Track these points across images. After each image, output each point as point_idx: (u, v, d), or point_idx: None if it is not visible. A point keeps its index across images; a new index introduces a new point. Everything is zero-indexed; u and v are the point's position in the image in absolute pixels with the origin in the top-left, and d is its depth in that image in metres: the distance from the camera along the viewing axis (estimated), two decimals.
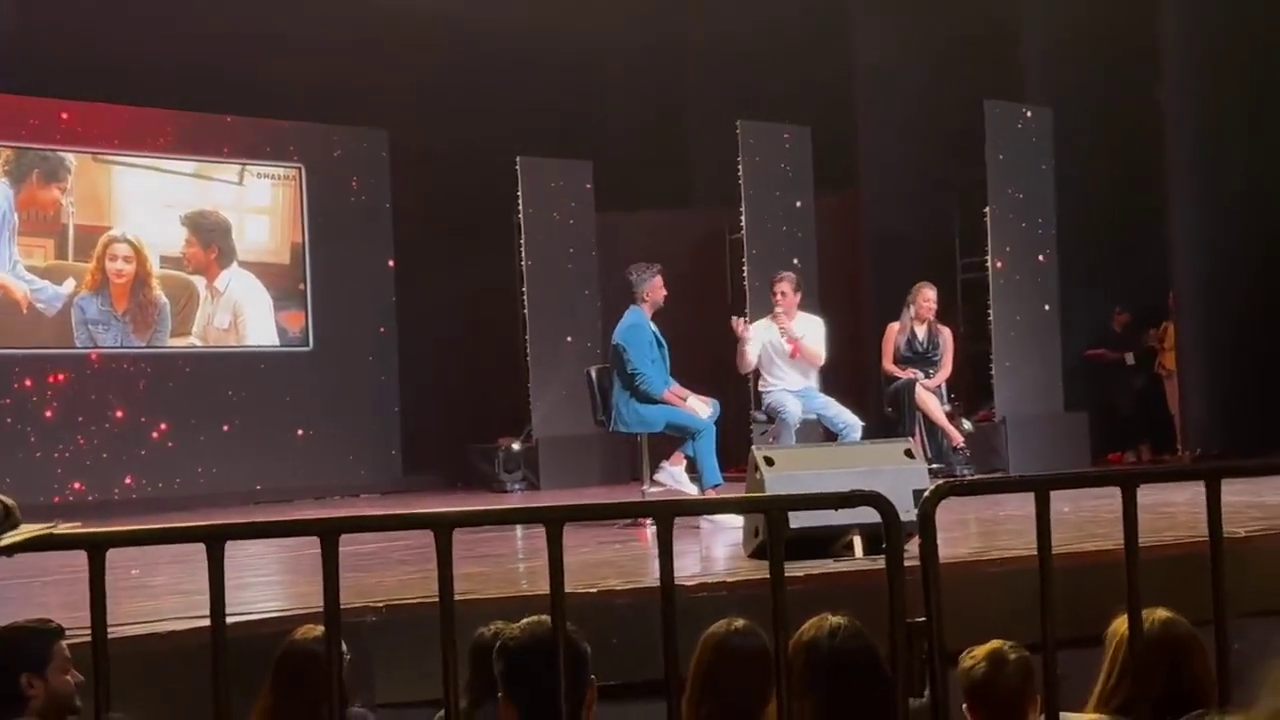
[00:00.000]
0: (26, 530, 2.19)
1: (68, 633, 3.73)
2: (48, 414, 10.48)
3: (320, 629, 3.20)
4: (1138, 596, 2.44)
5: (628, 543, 6.68)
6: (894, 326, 9.11)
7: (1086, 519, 6.16)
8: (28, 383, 10.48)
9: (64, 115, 10.73)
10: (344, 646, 3.39)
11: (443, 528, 2.29)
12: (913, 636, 2.29)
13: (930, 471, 8.21)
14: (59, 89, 10.56)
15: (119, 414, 10.78)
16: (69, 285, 10.69)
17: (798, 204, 11.26)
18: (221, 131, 11.43)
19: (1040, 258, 10.74)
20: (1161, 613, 2.85)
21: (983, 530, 6.46)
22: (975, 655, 3.07)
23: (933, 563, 2.31)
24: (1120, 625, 2.82)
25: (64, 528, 2.27)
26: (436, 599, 2.33)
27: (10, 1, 9.63)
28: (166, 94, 10.87)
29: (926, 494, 2.36)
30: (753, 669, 3.03)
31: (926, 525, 2.32)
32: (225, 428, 11.17)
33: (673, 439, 7.79)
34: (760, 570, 5.41)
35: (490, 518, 2.62)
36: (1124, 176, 11.15)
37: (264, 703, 3.42)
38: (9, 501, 2.16)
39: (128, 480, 10.77)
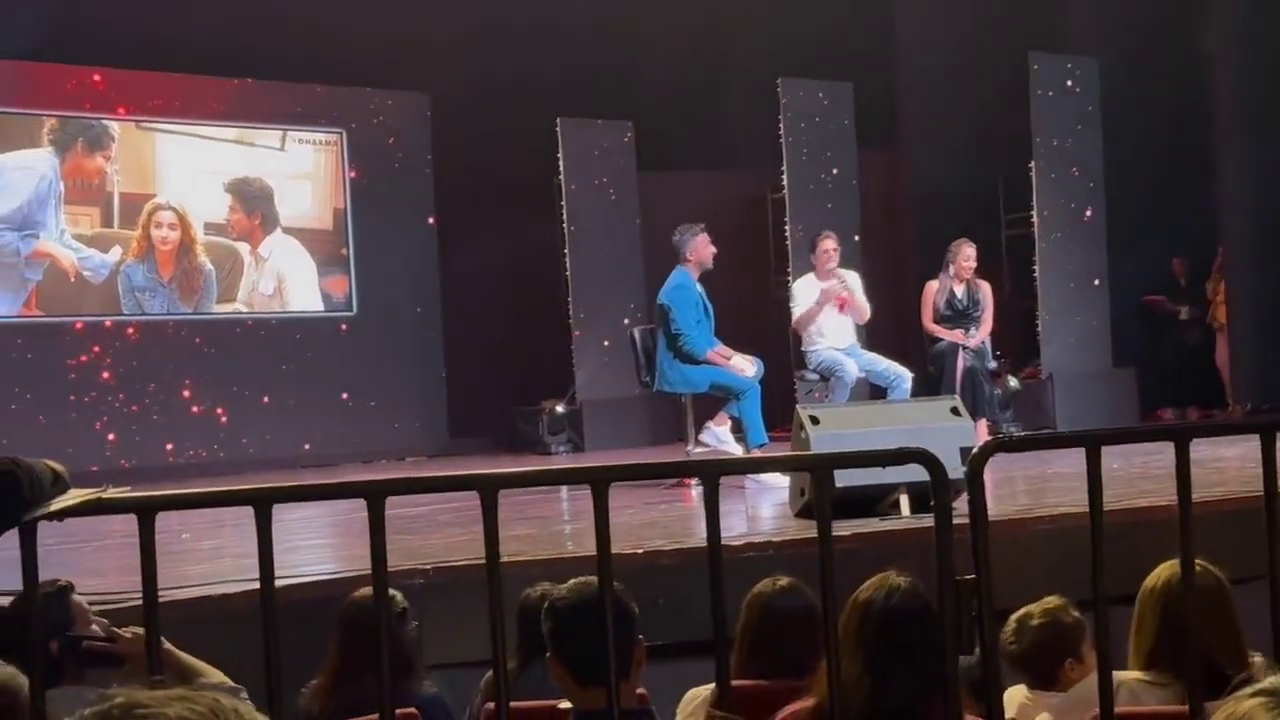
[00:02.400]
0: (76, 495, 2.20)
1: (121, 596, 3.78)
2: (95, 381, 10.59)
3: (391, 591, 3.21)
4: (1190, 553, 2.41)
5: (673, 503, 6.69)
6: (932, 284, 9.01)
7: (1136, 475, 6.10)
8: (76, 350, 10.59)
9: (106, 83, 10.78)
10: (406, 607, 3.41)
11: (488, 489, 2.29)
12: (961, 594, 2.27)
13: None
14: (101, 57, 10.60)
15: (166, 381, 10.88)
16: (115, 253, 10.77)
17: (839, 162, 11.17)
18: (263, 97, 11.46)
19: (1087, 212, 10.61)
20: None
21: (1031, 487, 6.42)
22: (1017, 618, 3.07)
23: (982, 520, 2.29)
24: (1153, 580, 2.79)
25: (113, 492, 2.29)
26: (483, 561, 2.33)
27: None
28: (208, 61, 10.90)
29: (975, 451, 2.34)
30: (799, 627, 3.03)
31: (975, 482, 2.30)
32: (271, 393, 11.25)
33: (718, 399, 7.77)
34: (807, 529, 5.41)
35: (536, 479, 2.62)
36: (1171, 128, 10.98)
37: (330, 664, 3.43)
38: (58, 467, 2.17)
39: (175, 446, 10.87)
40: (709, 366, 7.63)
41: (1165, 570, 2.78)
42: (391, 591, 3.24)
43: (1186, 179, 10.97)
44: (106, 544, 5.55)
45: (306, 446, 11.25)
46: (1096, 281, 10.60)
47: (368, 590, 3.36)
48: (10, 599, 2.67)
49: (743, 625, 3.14)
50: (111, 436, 10.59)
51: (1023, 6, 11.25)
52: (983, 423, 8.24)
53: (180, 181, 11.08)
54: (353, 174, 11.87)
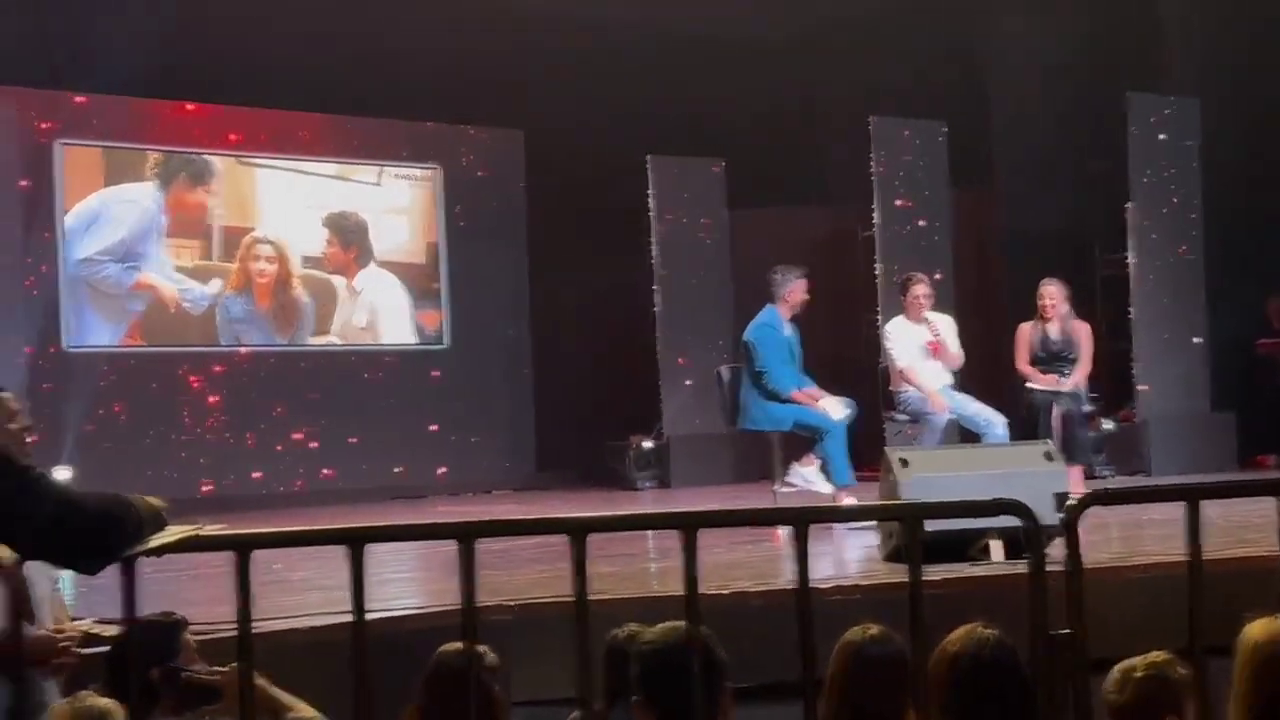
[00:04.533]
0: (175, 531, 2.25)
1: (212, 628, 3.84)
2: (191, 411, 10.80)
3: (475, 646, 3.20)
4: None
5: (760, 543, 6.64)
6: (1025, 326, 8.84)
7: (1236, 523, 5.96)
8: (174, 380, 10.81)
9: (209, 118, 11.04)
10: (496, 657, 3.39)
11: (578, 532, 2.29)
12: (1056, 649, 2.23)
13: None
14: (204, 93, 10.87)
15: (260, 411, 11.06)
16: (215, 285, 10.99)
17: (931, 200, 11.09)
18: (361, 133, 11.67)
19: (1184, 252, 10.42)
20: None
21: (1125, 534, 6.30)
22: (1121, 669, 3.00)
23: (1078, 575, 2.25)
24: (1251, 631, 2.72)
25: (210, 529, 2.33)
26: (567, 598, 2.34)
27: (156, 9, 9.93)
28: (308, 96, 11.12)
29: (1071, 503, 2.30)
30: (890, 677, 2.98)
31: (1072, 535, 2.26)
32: (362, 424, 11.39)
33: (807, 438, 7.72)
34: (895, 574, 5.34)
35: (626, 523, 2.62)
36: (1272, 168, 10.75)
37: (416, 710, 3.42)
38: (159, 503, 2.22)
39: (267, 475, 11.04)
40: (794, 405, 7.59)
41: (1264, 626, 2.70)
42: (483, 647, 3.24)
43: None
44: (200, 574, 5.64)
45: (395, 478, 11.36)
46: (1194, 323, 10.40)
47: (458, 645, 3.35)
48: (118, 629, 2.72)
49: (832, 673, 3.10)
50: (206, 464, 10.78)
51: (1120, 45, 11.12)
52: (1078, 469, 8.10)
53: (279, 215, 11.30)
54: (447, 209, 12.02)
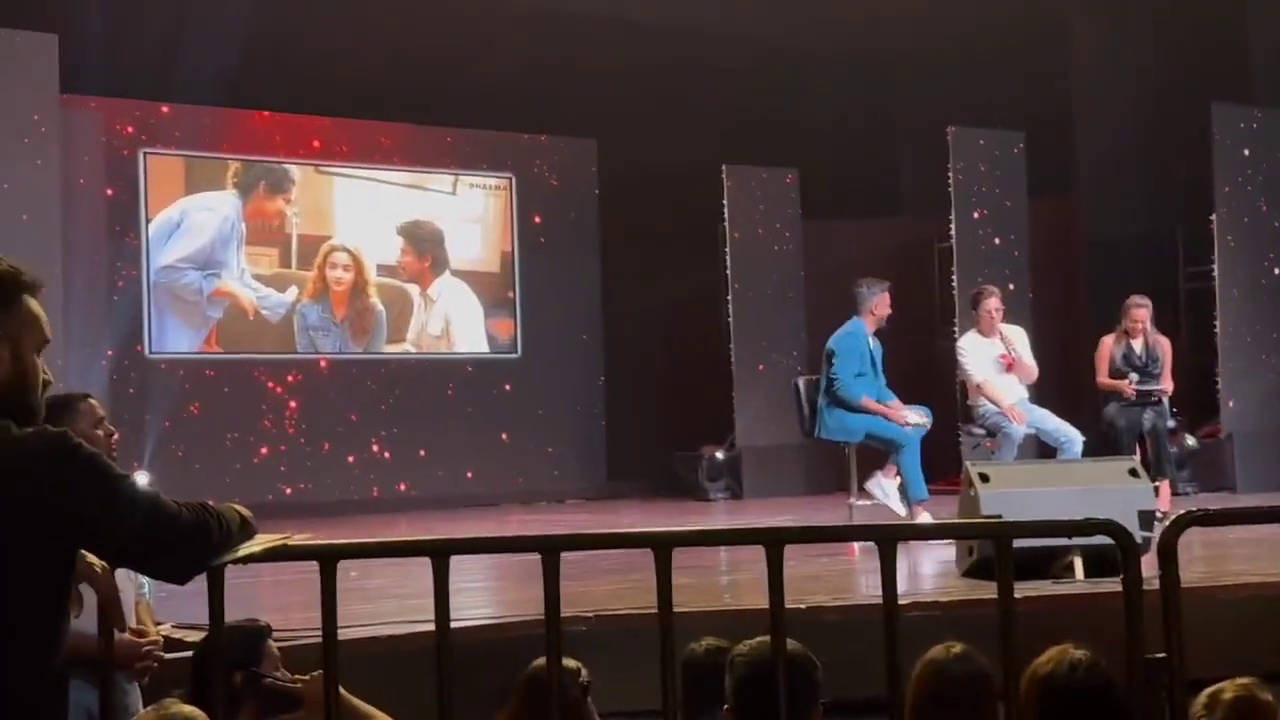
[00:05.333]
0: (262, 540, 2.25)
1: (293, 634, 3.86)
2: (269, 416, 10.92)
3: (569, 661, 3.19)
4: None
5: (836, 556, 6.58)
6: (1108, 340, 8.68)
7: None
8: (251, 387, 10.93)
9: (287, 128, 11.18)
10: (589, 682, 3.37)
11: (663, 548, 2.27)
12: (1152, 673, 2.18)
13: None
14: (283, 103, 11.00)
15: (336, 417, 11.16)
16: (292, 293, 11.11)
17: (1010, 212, 10.96)
18: (436, 142, 11.76)
19: (1270, 266, 10.22)
20: None
21: (1210, 554, 6.17)
22: (1212, 692, 2.92)
23: (1174, 596, 2.19)
24: None
25: (297, 539, 2.34)
26: (642, 610, 2.33)
27: (237, 21, 10.06)
28: (384, 106, 11.22)
29: (1168, 524, 2.24)
30: (973, 696, 2.93)
31: (1168, 557, 2.20)
32: (435, 431, 11.45)
33: (881, 451, 7.66)
34: (973, 590, 5.27)
35: (709, 538, 2.60)
36: None
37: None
38: (246, 512, 2.23)
39: (343, 482, 11.13)
40: (866, 415, 7.53)
41: None
42: (575, 664, 3.23)
43: None
44: (283, 579, 5.68)
45: (467, 486, 11.41)
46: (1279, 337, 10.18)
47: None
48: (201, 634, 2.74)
49: (914, 692, 3.05)
50: (285, 470, 10.89)
51: (1204, 55, 10.92)
52: (1165, 485, 7.97)
53: (355, 224, 11.41)
54: (521, 218, 12.07)
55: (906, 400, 7.78)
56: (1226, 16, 10.88)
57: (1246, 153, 10.21)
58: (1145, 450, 8.25)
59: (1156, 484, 7.96)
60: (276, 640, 3.42)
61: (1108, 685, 2.29)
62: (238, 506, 2.23)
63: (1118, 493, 5.25)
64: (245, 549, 2.20)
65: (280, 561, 2.32)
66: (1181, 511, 2.31)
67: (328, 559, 2.25)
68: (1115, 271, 10.57)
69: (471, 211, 12.00)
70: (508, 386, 11.94)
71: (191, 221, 10.75)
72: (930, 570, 6.29)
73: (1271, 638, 2.41)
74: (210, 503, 2.15)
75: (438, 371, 11.74)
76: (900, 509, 7.41)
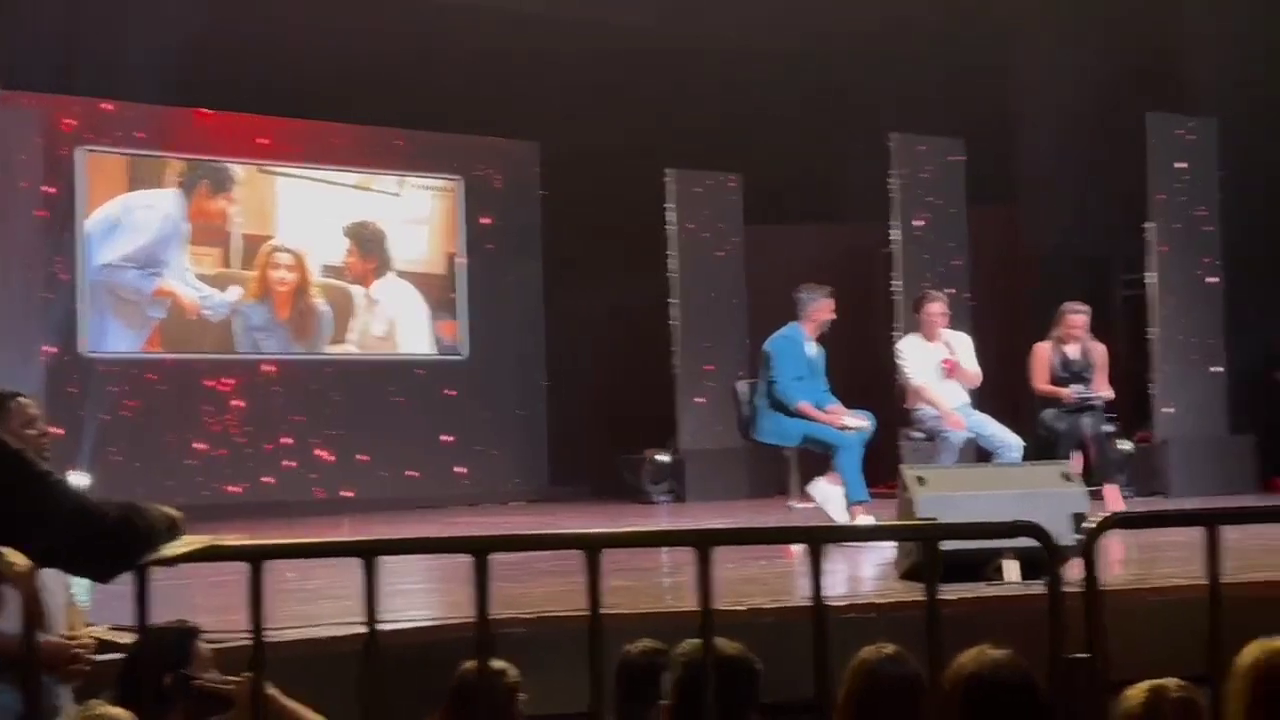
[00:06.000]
0: (189, 541, 2.25)
1: (226, 636, 3.84)
2: (210, 417, 10.82)
3: (498, 662, 3.20)
4: None
5: (775, 559, 6.62)
6: (1043, 346, 8.78)
7: (1255, 546, 5.92)
8: (193, 387, 10.83)
9: (231, 127, 11.09)
10: (517, 674, 3.38)
11: (593, 548, 2.29)
12: (1074, 672, 2.22)
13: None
14: (227, 102, 10.92)
15: (277, 419, 11.08)
16: (234, 293, 11.03)
17: (951, 218, 11.07)
18: (382, 144, 11.71)
19: (1203, 274, 10.39)
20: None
21: (1142, 556, 6.26)
22: (1136, 692, 2.97)
23: (1096, 597, 2.23)
24: (1246, 653, 2.70)
25: (226, 538, 2.33)
26: (583, 612, 2.34)
27: (183, 16, 9.97)
28: (330, 106, 11.16)
29: (1091, 526, 2.28)
30: (904, 697, 2.97)
31: (1090, 558, 2.24)
32: (378, 434, 11.39)
33: (824, 456, 7.70)
34: (910, 592, 5.32)
35: (640, 539, 2.61)
36: None
37: None
38: (174, 513, 2.22)
39: (283, 483, 11.05)
40: (803, 419, 7.57)
41: (1258, 647, 2.69)
42: (504, 665, 3.24)
43: None
44: (218, 580, 5.64)
45: (410, 488, 11.37)
46: (1213, 346, 10.35)
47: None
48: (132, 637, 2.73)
49: (846, 692, 3.08)
50: (222, 471, 10.80)
51: (1141, 64, 11.09)
52: (1114, 487, 8.10)
53: (299, 224, 11.34)
54: (467, 220, 12.04)
55: (850, 405, 7.84)
56: (1164, 27, 11.05)
57: (1181, 162, 10.37)
58: (1086, 455, 8.37)
59: (1102, 487, 8.13)
60: (210, 641, 3.41)
61: (1028, 684, 2.33)
62: (165, 507, 2.22)
63: (1051, 496, 5.33)
64: (172, 549, 2.19)
65: (209, 562, 2.32)
66: (1105, 514, 2.35)
67: (256, 559, 2.25)
68: (1055, 279, 10.72)
69: (417, 213, 11.96)
70: (452, 388, 11.90)
71: (133, 220, 10.65)
72: (870, 572, 6.35)
73: (1198, 639, 2.45)
74: (137, 503, 2.14)
75: (381, 373, 11.69)
76: (840, 514, 7.45)
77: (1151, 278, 10.22)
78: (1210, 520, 2.30)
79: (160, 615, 3.20)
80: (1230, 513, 2.68)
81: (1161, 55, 11.10)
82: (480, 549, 2.27)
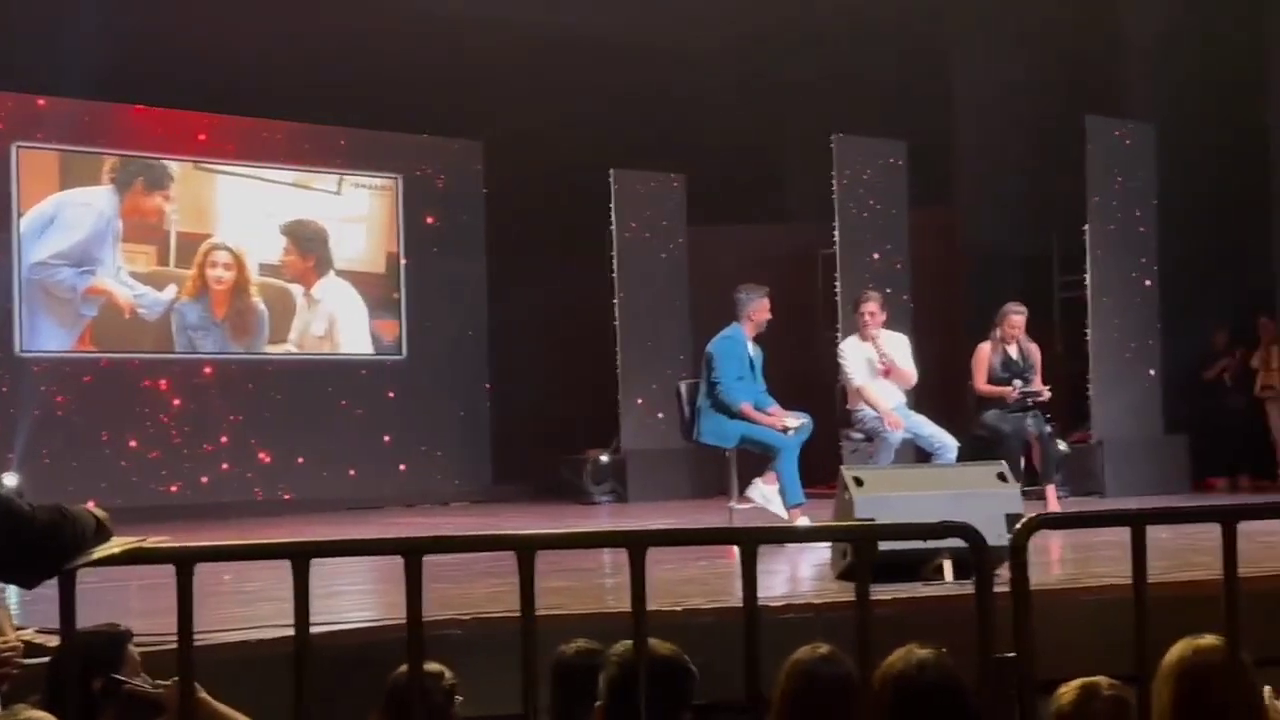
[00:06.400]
0: (117, 543, 2.22)
1: (159, 640, 3.79)
2: (145, 417, 10.70)
3: (433, 665, 3.20)
4: (1236, 637, 2.36)
5: (714, 560, 6.63)
6: (984, 347, 8.87)
7: (1185, 545, 6.01)
8: (127, 387, 10.70)
9: (167, 124, 10.97)
10: (453, 676, 3.37)
11: (526, 549, 2.28)
12: (1002, 671, 2.24)
13: (1025, 494, 8.10)
14: (163, 98, 10.79)
15: (215, 419, 10.97)
16: (170, 291, 10.91)
17: (892, 220, 11.15)
18: (321, 142, 11.62)
19: (1140, 276, 10.52)
20: (1208, 640, 2.75)
21: (1076, 556, 6.33)
22: (1067, 690, 3.00)
23: (1024, 597, 2.26)
24: (1172, 658, 2.75)
25: (153, 540, 2.30)
26: (518, 614, 2.33)
27: (118, 12, 9.86)
28: (268, 104, 11.07)
29: (1018, 526, 2.31)
30: (838, 697, 2.99)
31: (1018, 558, 2.27)
32: (318, 434, 11.32)
33: (765, 456, 7.72)
34: (848, 592, 5.34)
35: (573, 540, 2.61)
36: (1228, 196, 10.89)
37: None
38: (101, 515, 2.19)
39: (221, 484, 10.95)
40: (743, 421, 7.59)
41: (1187, 648, 2.73)
42: (440, 667, 3.22)
43: (1240, 246, 10.87)
44: (151, 583, 5.58)
45: (350, 489, 11.30)
46: (1148, 347, 10.49)
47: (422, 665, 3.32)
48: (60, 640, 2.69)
49: (781, 692, 3.10)
50: (158, 472, 10.68)
51: (1080, 69, 11.23)
52: (1052, 488, 8.19)
53: (237, 222, 11.23)
54: (407, 219, 11.98)
55: (787, 406, 7.86)
56: (1101, 30, 11.19)
57: (1117, 165, 10.50)
58: (1029, 456, 8.45)
59: (1044, 487, 8.22)
60: (140, 645, 3.37)
61: (954, 683, 2.35)
62: (93, 509, 2.19)
63: (987, 497, 5.37)
64: (100, 552, 2.16)
65: (137, 565, 2.29)
66: (1032, 514, 2.37)
67: (184, 562, 2.22)
68: (993, 281, 10.82)
69: (357, 211, 11.88)
70: (392, 388, 11.83)
71: (66, 217, 10.50)
72: (808, 573, 6.37)
73: (1129, 638, 2.48)
74: (64, 505, 2.11)
75: (321, 372, 11.60)
76: (782, 513, 7.48)
77: (1089, 279, 10.33)
78: (1136, 521, 2.33)
79: (92, 618, 3.16)
80: (1156, 513, 2.72)
81: (1097, 59, 11.24)
82: (411, 550, 2.26)
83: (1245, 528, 2.43)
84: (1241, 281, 10.83)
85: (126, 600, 5.31)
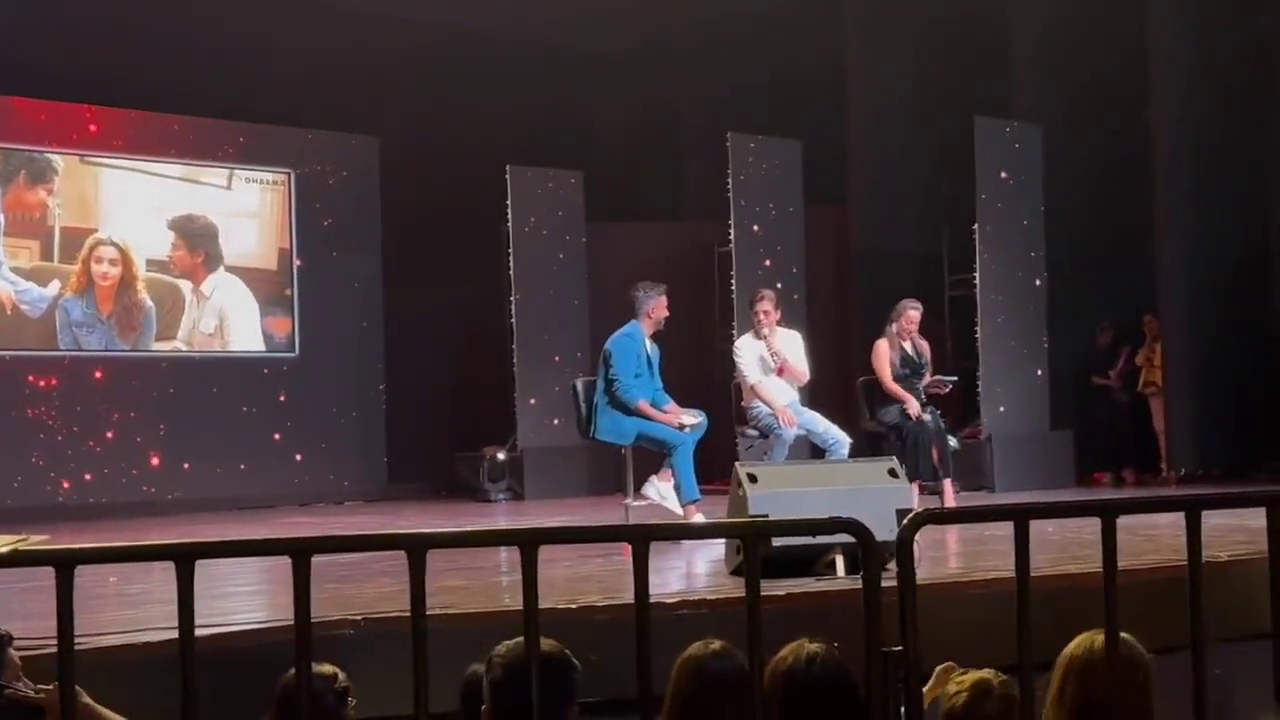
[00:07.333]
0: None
1: (42, 643, 3.70)
2: (27, 416, 10.43)
3: (325, 666, 3.16)
4: (1115, 628, 2.42)
5: (610, 557, 6.64)
6: (883, 343, 8.93)
7: (1070, 539, 6.15)
8: (9, 384, 10.42)
9: (50, 116, 10.69)
10: (349, 686, 3.33)
11: (417, 549, 2.27)
12: (889, 665, 2.27)
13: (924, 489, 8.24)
14: (47, 91, 10.53)
15: (100, 418, 10.73)
16: (54, 287, 10.65)
17: (786, 217, 11.25)
18: (211, 135, 11.41)
19: (1027, 275, 10.74)
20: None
21: (967, 550, 6.45)
22: (960, 683, 3.06)
23: (910, 591, 2.29)
24: (1071, 651, 2.82)
25: (32, 541, 2.25)
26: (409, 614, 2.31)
27: (2, 2, 9.62)
28: (156, 97, 10.85)
29: (904, 521, 2.34)
30: (730, 692, 3.01)
31: (905, 554, 2.30)
32: (208, 433, 11.12)
33: (661, 454, 7.75)
34: (742, 588, 5.38)
35: (465, 539, 2.60)
36: (1113, 196, 11.17)
37: None
38: None
39: (107, 484, 10.71)
40: (639, 419, 7.61)
41: (1085, 641, 2.80)
42: (333, 669, 3.19)
43: (1124, 245, 11.14)
44: (34, 585, 5.44)
45: (242, 488, 11.12)
46: (1036, 345, 10.72)
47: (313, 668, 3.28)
48: None
49: (673, 688, 3.11)
50: (50, 473, 10.43)
51: (971, 71, 11.42)
52: (949, 483, 8.31)
53: (123, 217, 10.99)
54: (299, 215, 11.81)
55: (683, 403, 7.90)
56: (991, 30, 11.39)
57: (1005, 165, 10.71)
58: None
59: (942, 483, 8.35)
60: (21, 649, 3.29)
61: (843, 676, 2.38)
62: None
63: (878, 492, 5.45)
64: None
65: (15, 567, 2.23)
66: (918, 510, 2.41)
67: (64, 564, 2.17)
68: (885, 279, 10.97)
69: (247, 206, 11.69)
70: (285, 386, 11.67)
71: None
72: (703, 569, 6.41)
73: (1013, 631, 2.54)
74: None
75: (211, 370, 11.40)
76: (677, 508, 7.52)
77: (978, 278, 10.52)
78: (1020, 515, 2.38)
79: None
80: (1039, 508, 2.77)
81: (987, 60, 11.44)
82: (299, 551, 2.23)
83: (1126, 521, 2.49)
84: (1127, 280, 11.11)
85: (8, 603, 5.17)
